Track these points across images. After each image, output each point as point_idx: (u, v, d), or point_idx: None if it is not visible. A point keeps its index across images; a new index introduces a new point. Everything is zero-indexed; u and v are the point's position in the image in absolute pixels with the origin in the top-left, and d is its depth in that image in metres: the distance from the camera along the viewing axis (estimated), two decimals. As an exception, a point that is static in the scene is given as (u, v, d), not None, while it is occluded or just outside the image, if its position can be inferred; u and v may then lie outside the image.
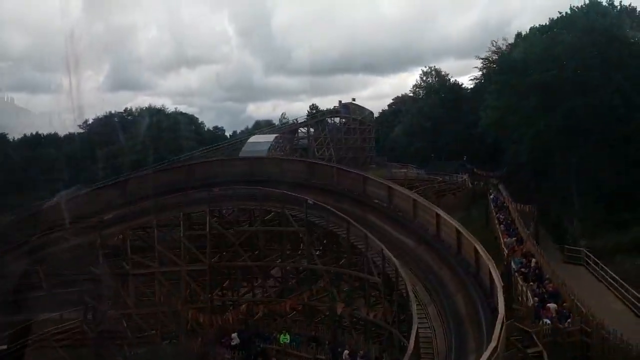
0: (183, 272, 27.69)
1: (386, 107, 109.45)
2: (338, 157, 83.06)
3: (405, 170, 71.52)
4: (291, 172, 31.17)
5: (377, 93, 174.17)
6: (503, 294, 24.82)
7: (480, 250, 20.72)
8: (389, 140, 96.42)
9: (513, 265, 27.32)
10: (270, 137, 65.75)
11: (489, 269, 19.31)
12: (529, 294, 22.67)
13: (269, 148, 60.63)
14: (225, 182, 30.32)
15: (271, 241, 30.25)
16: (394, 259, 22.01)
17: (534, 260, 27.81)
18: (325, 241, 28.62)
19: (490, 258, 20.09)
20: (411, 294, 19.81)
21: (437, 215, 24.30)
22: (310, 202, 26.73)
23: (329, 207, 26.44)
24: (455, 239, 23.02)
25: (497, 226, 37.99)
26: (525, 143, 42.52)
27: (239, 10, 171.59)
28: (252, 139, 67.45)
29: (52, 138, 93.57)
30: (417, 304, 19.98)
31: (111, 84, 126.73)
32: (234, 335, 24.69)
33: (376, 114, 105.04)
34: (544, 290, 23.72)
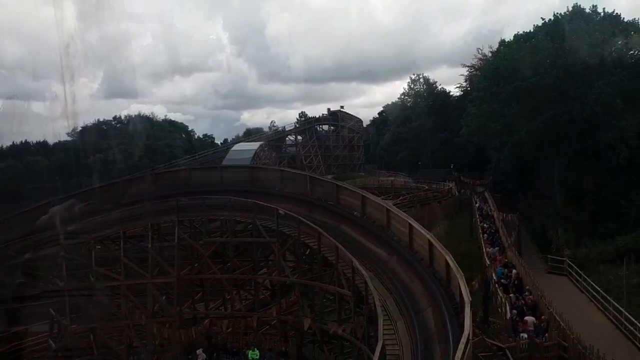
0: (150, 285, 26.70)
1: (377, 115, 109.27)
2: (326, 165, 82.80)
3: (392, 178, 71.02)
4: (264, 180, 30.36)
5: (370, 101, 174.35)
6: (481, 306, 24.27)
7: (450, 263, 19.87)
8: (379, 147, 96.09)
9: (494, 277, 26.56)
10: (255, 145, 64.94)
11: (459, 282, 18.48)
12: (508, 306, 21.90)
13: (253, 156, 59.83)
14: (195, 192, 29.44)
15: (243, 253, 29.34)
16: (363, 271, 21.15)
17: (514, 271, 27.06)
18: (297, 252, 27.70)
19: (460, 271, 19.24)
20: (378, 310, 18.92)
21: (410, 226, 23.45)
22: (281, 212, 25.86)
23: (300, 217, 25.56)
24: (427, 250, 22.19)
25: (481, 235, 37.29)
26: (507, 151, 41.93)
27: (234, 19, 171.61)
28: (236, 147, 66.65)
29: (42, 146, 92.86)
30: (386, 320, 19.14)
31: (105, 92, 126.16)
32: (199, 351, 23.70)
33: (368, 122, 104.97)
34: (523, 302, 22.93)
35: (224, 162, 56.22)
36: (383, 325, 18.37)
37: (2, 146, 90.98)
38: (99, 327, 26.27)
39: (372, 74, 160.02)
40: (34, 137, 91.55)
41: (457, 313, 18.67)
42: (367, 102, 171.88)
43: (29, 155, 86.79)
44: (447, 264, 20.14)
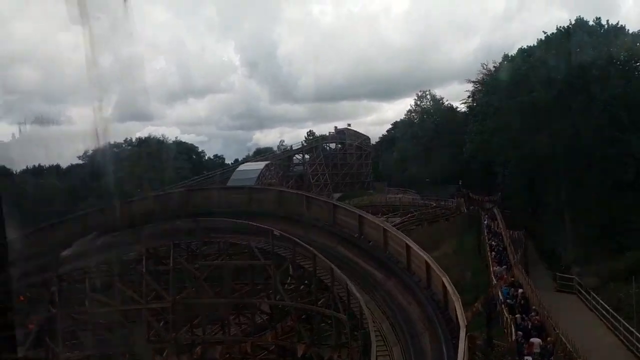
0: (144, 310, 26.16)
1: (385, 132, 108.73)
2: (334, 183, 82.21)
3: (400, 196, 70.29)
4: (261, 201, 29.89)
5: (381, 118, 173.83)
6: (485, 328, 23.46)
7: (447, 285, 19.19)
8: (387, 165, 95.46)
9: (500, 296, 25.74)
10: (261, 165, 64.63)
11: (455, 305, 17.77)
12: (513, 328, 21.07)
13: (258, 176, 59.50)
14: (193, 214, 28.99)
15: (240, 276, 28.72)
16: (357, 294, 20.49)
17: (520, 290, 26.19)
18: (293, 275, 27.08)
19: (457, 294, 18.55)
20: (372, 335, 18.24)
21: (407, 246, 22.81)
22: (277, 233, 25.32)
23: (295, 238, 24.99)
24: (425, 271, 21.51)
25: (489, 253, 36.46)
26: (512, 167, 41.08)
27: (245, 40, 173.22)
28: (242, 167, 66.40)
29: (55, 169, 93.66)
30: (381, 345, 18.48)
31: (120, 115, 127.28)
32: (192, 379, 23.06)
33: (377, 139, 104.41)
34: (529, 323, 22.06)
35: (229, 183, 55.94)
36: (378, 350, 17.76)
37: (16, 170, 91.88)
38: (92, 355, 25.70)
39: (382, 92, 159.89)
40: (48, 161, 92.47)
41: (454, 337, 17.95)
42: (379, 119, 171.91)
43: (42, 179, 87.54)
44: (444, 286, 19.47)
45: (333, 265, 22.63)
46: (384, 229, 24.76)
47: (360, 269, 24.21)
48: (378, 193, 77.21)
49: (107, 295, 27.02)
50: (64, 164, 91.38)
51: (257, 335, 26.49)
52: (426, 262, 21.41)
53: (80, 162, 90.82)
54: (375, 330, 19.02)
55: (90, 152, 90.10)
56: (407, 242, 23.00)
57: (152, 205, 30.68)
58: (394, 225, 44.23)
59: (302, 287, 26.69)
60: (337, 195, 75.74)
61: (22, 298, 26.35)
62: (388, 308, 21.52)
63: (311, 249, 24.02)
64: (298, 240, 24.73)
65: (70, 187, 77.51)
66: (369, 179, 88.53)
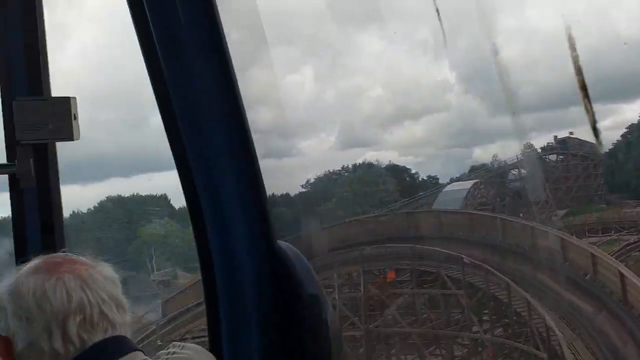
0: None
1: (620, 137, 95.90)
2: (557, 199, 75.17)
3: (639, 209, 61.44)
4: (450, 225, 28.14)
5: (620, 121, 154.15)
6: None
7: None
8: (623, 174, 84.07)
9: None
10: (468, 184, 62.11)
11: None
12: None
13: (466, 195, 57.22)
14: (379, 240, 28.60)
15: (433, 305, 27.27)
16: (557, 331, 17.90)
17: None
18: (487, 305, 24.76)
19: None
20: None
21: (621, 274, 19.23)
22: (466, 260, 23.58)
23: (488, 266, 22.96)
24: (644, 305, 17.86)
25: None
26: None
27: (459, 57, 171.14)
28: (448, 187, 64.76)
29: (285, 197, 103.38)
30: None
31: (342, 144, 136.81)
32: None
33: (611, 146, 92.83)
34: None
35: (434, 205, 54.71)
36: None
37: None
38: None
39: (619, 92, 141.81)
40: (280, 191, 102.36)
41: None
42: (616, 123, 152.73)
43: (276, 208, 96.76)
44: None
45: (529, 297, 20.20)
46: (592, 254, 21.33)
47: (564, 300, 21.19)
48: (611, 207, 68.66)
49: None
50: (292, 192, 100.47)
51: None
52: (644, 294, 17.76)
53: (304, 190, 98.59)
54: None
55: (312, 180, 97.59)
56: (620, 269, 19.47)
57: (342, 233, 31.01)
58: (627, 245, 38.55)
59: (498, 319, 24.32)
60: (561, 212, 69.47)
61: None
62: (597, 348, 18.34)
63: (505, 277, 21.82)
64: (490, 268, 22.68)
65: (294, 212, 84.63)
66: (599, 192, 79.05)
